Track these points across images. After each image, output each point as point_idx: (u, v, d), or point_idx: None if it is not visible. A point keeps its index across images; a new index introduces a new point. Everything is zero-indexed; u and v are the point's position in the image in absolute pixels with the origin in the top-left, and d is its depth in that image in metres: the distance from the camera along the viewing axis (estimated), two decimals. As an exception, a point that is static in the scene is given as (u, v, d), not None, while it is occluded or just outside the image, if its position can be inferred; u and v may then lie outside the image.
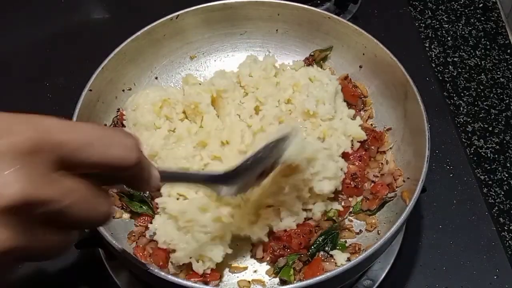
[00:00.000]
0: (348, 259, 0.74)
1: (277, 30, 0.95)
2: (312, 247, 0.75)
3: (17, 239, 0.39)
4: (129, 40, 0.85)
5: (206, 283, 0.72)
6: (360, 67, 0.91)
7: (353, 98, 0.88)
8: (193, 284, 0.62)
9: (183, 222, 0.72)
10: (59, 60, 1.08)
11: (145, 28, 0.87)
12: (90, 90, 0.80)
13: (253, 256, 0.77)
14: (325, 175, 0.76)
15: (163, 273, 0.62)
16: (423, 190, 0.70)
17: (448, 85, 1.07)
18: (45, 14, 1.17)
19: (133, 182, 0.49)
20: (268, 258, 0.76)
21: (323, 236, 0.76)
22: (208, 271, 0.72)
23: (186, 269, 0.73)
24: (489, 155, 0.96)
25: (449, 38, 1.14)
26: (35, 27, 1.14)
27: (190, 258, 0.72)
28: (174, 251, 0.72)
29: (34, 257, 0.43)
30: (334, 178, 0.77)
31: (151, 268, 0.63)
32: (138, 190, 0.52)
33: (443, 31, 1.16)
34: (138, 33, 0.86)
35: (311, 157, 0.74)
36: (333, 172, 0.76)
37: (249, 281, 0.74)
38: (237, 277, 0.75)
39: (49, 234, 0.42)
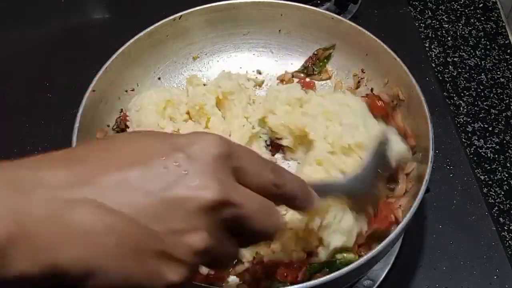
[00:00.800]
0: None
1: (279, 30, 0.95)
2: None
3: (210, 240, 0.42)
4: (132, 40, 0.85)
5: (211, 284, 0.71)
6: (363, 70, 0.91)
7: (382, 111, 0.83)
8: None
9: None
10: (60, 60, 1.07)
11: (148, 29, 0.87)
12: (94, 91, 0.79)
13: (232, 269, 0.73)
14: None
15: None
16: (426, 191, 0.70)
17: (448, 85, 1.07)
18: (46, 15, 1.17)
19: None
20: (247, 277, 0.73)
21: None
22: (212, 272, 0.72)
23: None
24: (489, 155, 0.97)
25: (449, 38, 1.15)
26: (36, 28, 1.14)
27: None
28: None
29: (215, 263, 0.46)
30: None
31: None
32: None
33: (443, 31, 1.16)
34: (141, 33, 0.86)
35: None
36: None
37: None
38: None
39: (230, 241, 0.45)
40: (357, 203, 0.68)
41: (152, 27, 0.87)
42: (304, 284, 0.62)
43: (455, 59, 1.11)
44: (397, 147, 0.73)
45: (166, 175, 0.41)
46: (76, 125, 0.75)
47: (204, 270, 0.71)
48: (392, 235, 0.65)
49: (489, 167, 0.95)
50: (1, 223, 0.36)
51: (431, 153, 0.72)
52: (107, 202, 0.39)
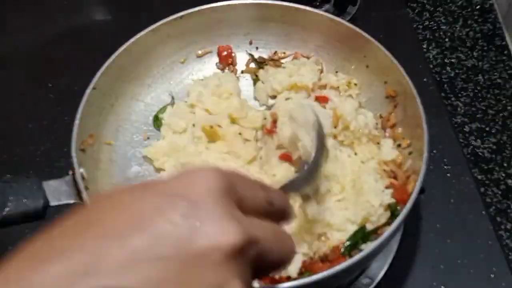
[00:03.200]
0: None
1: (280, 31, 0.96)
2: None
3: (241, 285, 0.37)
4: (133, 39, 0.86)
5: None
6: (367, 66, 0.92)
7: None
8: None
9: None
10: (61, 60, 1.08)
11: (150, 28, 0.88)
12: (94, 88, 0.80)
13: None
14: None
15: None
16: (421, 191, 0.71)
17: (445, 85, 1.08)
18: (46, 15, 1.17)
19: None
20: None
21: None
22: None
23: None
24: (486, 155, 0.97)
25: (446, 40, 1.16)
26: (37, 28, 1.14)
27: None
28: None
29: None
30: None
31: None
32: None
33: (441, 33, 1.17)
34: (142, 32, 0.87)
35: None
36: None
37: None
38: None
39: (251, 278, 0.41)
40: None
41: (153, 26, 0.88)
42: (300, 282, 0.62)
43: (452, 60, 1.12)
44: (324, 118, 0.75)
45: (176, 232, 0.36)
46: (76, 121, 0.76)
47: None
48: (386, 233, 0.66)
49: (486, 167, 0.96)
50: None
51: (425, 153, 0.73)
52: (128, 284, 0.33)
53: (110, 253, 0.34)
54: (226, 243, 0.36)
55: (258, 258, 0.40)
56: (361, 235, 0.73)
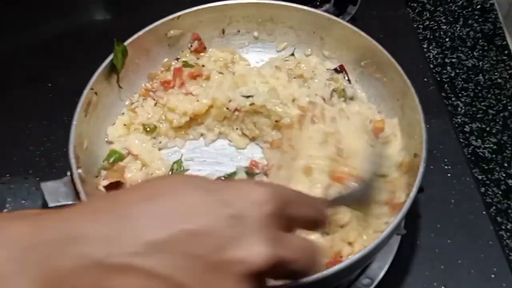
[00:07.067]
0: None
1: (277, 31, 0.96)
2: None
3: None
4: (131, 39, 0.86)
5: None
6: (363, 65, 0.91)
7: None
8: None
9: None
10: (61, 60, 1.08)
11: (147, 28, 0.88)
12: (92, 89, 0.80)
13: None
14: None
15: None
16: (420, 190, 0.71)
17: (446, 85, 1.07)
18: (46, 15, 1.17)
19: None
20: None
21: None
22: None
23: None
24: (486, 155, 0.97)
25: (447, 39, 1.15)
26: (36, 28, 1.14)
27: None
28: None
29: None
30: None
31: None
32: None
33: (441, 32, 1.17)
34: (140, 32, 0.87)
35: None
36: None
37: None
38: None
39: None
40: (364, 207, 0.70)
41: (151, 26, 0.88)
42: (305, 279, 0.62)
43: (453, 60, 1.12)
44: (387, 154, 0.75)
45: (215, 236, 0.37)
46: (74, 122, 0.76)
47: None
48: (385, 233, 0.66)
49: (486, 167, 0.95)
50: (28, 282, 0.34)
51: (424, 153, 0.73)
52: (151, 266, 0.36)
53: (152, 235, 0.36)
54: (252, 261, 0.38)
55: (280, 270, 0.41)
56: None
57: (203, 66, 0.92)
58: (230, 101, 0.85)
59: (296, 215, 0.43)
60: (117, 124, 0.87)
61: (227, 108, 0.85)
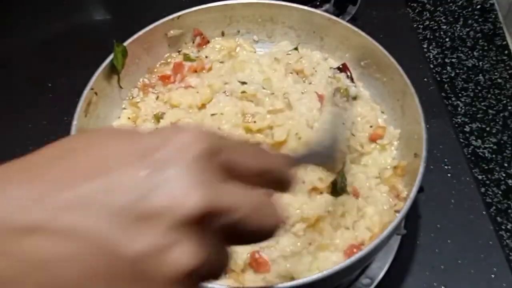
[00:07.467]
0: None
1: (277, 31, 0.96)
2: None
3: (198, 256, 0.34)
4: (131, 39, 0.86)
5: None
6: (363, 65, 0.91)
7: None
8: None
9: None
10: (61, 60, 1.08)
11: (147, 28, 0.88)
12: (92, 89, 0.80)
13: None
14: None
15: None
16: (420, 190, 0.71)
17: (446, 85, 1.07)
18: (46, 15, 1.17)
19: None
20: None
21: None
22: None
23: None
24: (486, 155, 0.97)
25: (447, 39, 1.15)
26: (36, 28, 1.14)
27: None
28: None
29: (203, 279, 0.37)
30: None
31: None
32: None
33: (441, 32, 1.17)
34: (140, 32, 0.87)
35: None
36: None
37: None
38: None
39: (222, 250, 0.38)
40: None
41: (151, 26, 0.88)
42: (299, 281, 0.62)
43: (453, 60, 1.12)
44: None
45: (137, 186, 0.33)
46: (74, 122, 0.76)
47: None
48: (385, 232, 0.66)
49: (486, 167, 0.96)
50: None
51: (424, 153, 0.73)
52: (65, 226, 0.32)
53: (64, 191, 0.33)
54: (182, 207, 0.33)
55: (231, 227, 0.37)
56: None
57: (206, 57, 0.92)
58: (226, 83, 0.86)
59: (236, 163, 0.39)
60: (121, 118, 0.87)
61: (224, 92, 0.86)
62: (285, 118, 0.81)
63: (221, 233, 0.36)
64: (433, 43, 1.15)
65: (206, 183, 0.35)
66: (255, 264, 0.71)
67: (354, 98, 0.88)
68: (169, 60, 0.92)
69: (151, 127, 0.84)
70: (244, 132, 0.80)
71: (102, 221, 0.32)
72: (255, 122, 0.80)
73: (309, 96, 0.84)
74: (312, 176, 0.75)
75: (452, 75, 1.09)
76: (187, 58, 0.92)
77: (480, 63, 1.11)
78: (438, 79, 1.08)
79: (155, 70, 0.91)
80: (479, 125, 1.01)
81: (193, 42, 0.94)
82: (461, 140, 0.99)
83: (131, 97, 0.89)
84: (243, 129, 0.81)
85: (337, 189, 0.76)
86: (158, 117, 0.85)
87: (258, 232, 0.39)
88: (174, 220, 0.33)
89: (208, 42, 0.94)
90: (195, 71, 0.90)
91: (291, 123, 0.80)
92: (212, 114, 0.82)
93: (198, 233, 0.34)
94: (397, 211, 0.75)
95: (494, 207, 0.91)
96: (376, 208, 0.77)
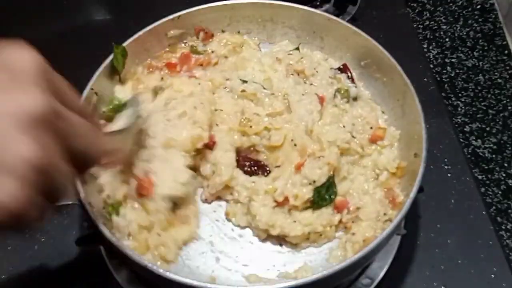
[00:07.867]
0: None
1: (277, 31, 0.96)
2: None
3: (42, 151, 0.40)
4: (131, 39, 0.86)
5: None
6: (363, 66, 0.91)
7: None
8: (192, 282, 0.62)
9: None
10: (61, 60, 1.07)
11: (147, 28, 0.88)
12: (92, 89, 0.80)
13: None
14: None
15: (161, 270, 0.63)
16: (420, 190, 0.71)
17: (446, 85, 1.07)
18: (46, 15, 1.17)
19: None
20: None
21: None
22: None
23: None
24: (486, 155, 0.97)
25: (447, 39, 1.15)
26: (36, 28, 1.14)
27: None
28: None
29: (50, 187, 0.43)
30: None
31: (150, 265, 0.63)
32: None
33: (441, 32, 1.17)
34: (140, 32, 0.87)
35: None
36: None
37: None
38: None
39: (63, 161, 0.43)
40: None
41: (151, 26, 0.88)
42: (300, 281, 0.62)
43: (453, 60, 1.12)
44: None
45: None
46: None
47: None
48: (385, 232, 0.66)
49: (486, 167, 0.96)
50: None
51: (424, 153, 0.73)
52: None
53: None
54: (33, 108, 0.40)
55: (65, 137, 0.43)
56: None
57: (212, 52, 0.92)
58: (227, 79, 0.87)
59: (67, 92, 0.47)
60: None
61: (225, 88, 0.87)
62: (284, 121, 0.81)
63: (59, 141, 0.42)
64: (433, 43, 1.15)
65: (48, 92, 0.42)
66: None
67: (355, 98, 0.88)
68: (176, 50, 0.92)
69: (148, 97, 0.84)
70: (240, 134, 0.81)
71: None
72: (251, 127, 0.80)
73: (309, 97, 0.84)
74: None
75: (452, 75, 1.09)
76: (194, 50, 0.92)
77: (480, 63, 1.11)
78: (438, 79, 1.08)
79: (160, 56, 0.91)
80: (479, 125, 1.01)
81: (198, 38, 0.94)
82: (461, 140, 0.99)
83: (134, 73, 0.89)
84: (239, 131, 0.81)
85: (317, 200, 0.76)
86: (156, 91, 0.85)
87: (84, 153, 0.46)
88: (28, 119, 0.40)
89: (213, 35, 0.94)
90: (201, 65, 0.90)
91: (288, 127, 0.80)
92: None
93: (46, 133, 0.41)
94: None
95: (494, 207, 0.91)
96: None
